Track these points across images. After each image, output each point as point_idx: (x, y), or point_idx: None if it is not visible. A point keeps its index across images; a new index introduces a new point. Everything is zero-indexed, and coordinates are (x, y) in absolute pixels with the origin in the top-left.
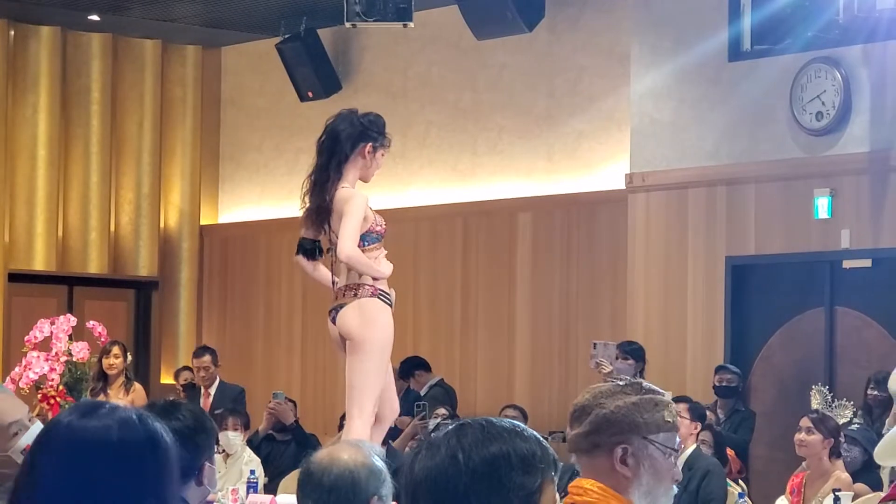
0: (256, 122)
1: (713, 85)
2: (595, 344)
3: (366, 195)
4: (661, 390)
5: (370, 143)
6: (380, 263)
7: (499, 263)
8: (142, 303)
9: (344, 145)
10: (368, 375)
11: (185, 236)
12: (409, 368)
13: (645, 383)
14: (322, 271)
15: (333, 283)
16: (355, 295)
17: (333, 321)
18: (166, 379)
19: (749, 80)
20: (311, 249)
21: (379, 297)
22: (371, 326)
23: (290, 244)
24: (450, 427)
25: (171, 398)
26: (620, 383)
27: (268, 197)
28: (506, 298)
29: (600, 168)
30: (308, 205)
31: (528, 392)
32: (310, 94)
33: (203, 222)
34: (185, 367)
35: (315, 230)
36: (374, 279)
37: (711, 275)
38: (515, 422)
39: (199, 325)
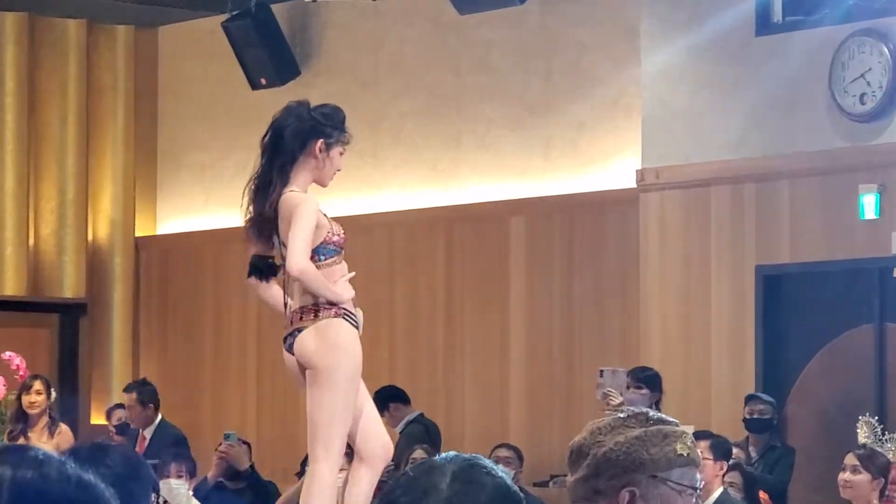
0: (200, 114)
1: (738, 64)
2: (602, 371)
3: (315, 198)
4: (671, 419)
5: (322, 140)
6: (338, 284)
7: (488, 277)
8: (67, 329)
9: (290, 144)
10: (334, 410)
11: (117, 250)
12: (383, 401)
13: (651, 412)
14: (274, 291)
15: (286, 304)
16: (315, 316)
17: (290, 349)
18: (97, 419)
19: (780, 57)
20: (263, 268)
21: (344, 318)
22: (335, 352)
23: (241, 258)
24: (401, 476)
25: (99, 441)
26: (622, 415)
27: (215, 202)
28: (497, 318)
29: (606, 164)
30: (250, 215)
31: (524, 429)
32: (263, 80)
33: (139, 233)
34: (119, 405)
35: (264, 245)
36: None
37: (739, 287)
38: (493, 470)
39: (136, 355)
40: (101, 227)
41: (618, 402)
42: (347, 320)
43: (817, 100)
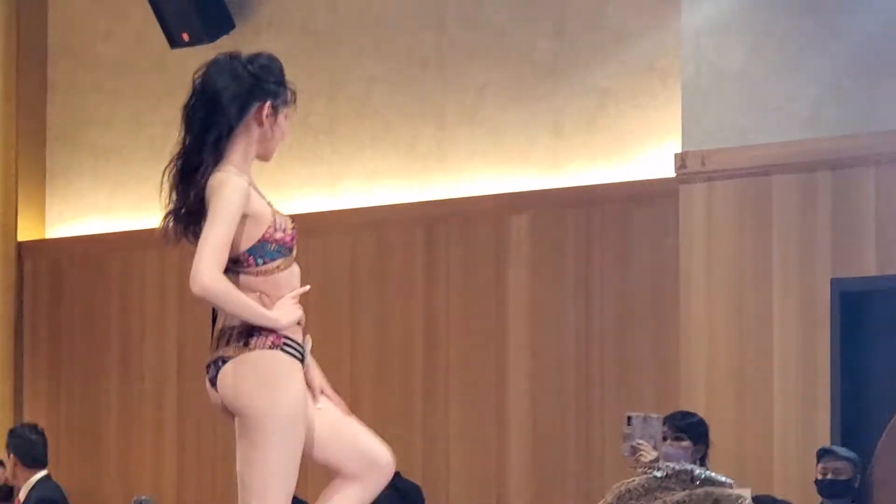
0: (103, 81)
1: (810, 13)
2: (630, 417)
3: (243, 182)
4: (722, 478)
5: (268, 102)
6: (279, 302)
7: (481, 295)
8: None
9: (226, 110)
10: (267, 468)
11: None
12: None
13: (698, 470)
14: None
15: (213, 322)
16: (245, 344)
17: (212, 382)
18: None
19: (866, 6)
20: None
21: (283, 349)
22: (269, 393)
23: (157, 265)
24: None
25: None
26: (658, 474)
27: (123, 196)
28: (492, 348)
29: (635, 145)
30: (171, 206)
31: (528, 492)
32: (185, 36)
33: (22, 237)
34: None
35: (174, 237)
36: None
37: (809, 307)
38: None
39: (18, 391)
40: None
41: (651, 457)
42: (287, 351)
43: None
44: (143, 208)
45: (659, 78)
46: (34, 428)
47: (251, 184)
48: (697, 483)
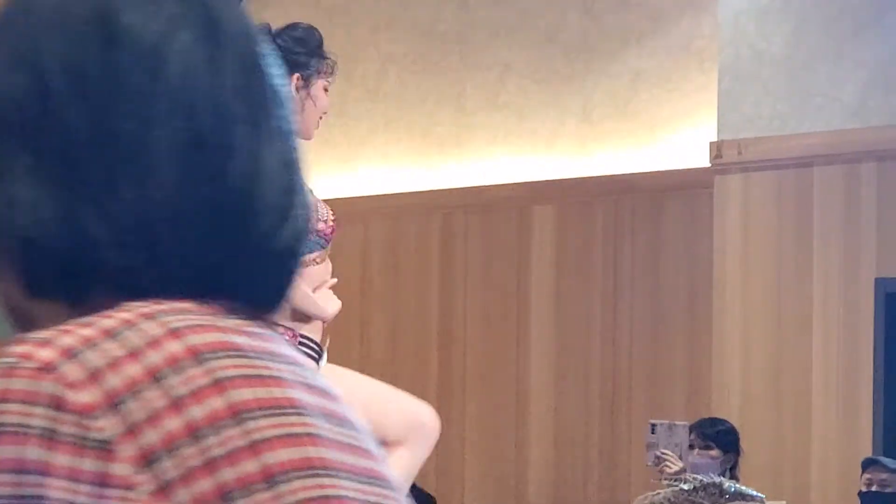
0: None
1: None
2: (654, 426)
3: None
4: (753, 493)
5: (297, 74)
6: (319, 292)
7: (501, 290)
8: None
9: None
10: None
11: None
12: None
13: (727, 484)
14: None
15: None
16: None
17: None
18: None
19: None
20: None
21: (298, 349)
22: None
23: None
24: None
25: None
26: (686, 486)
27: None
28: (513, 347)
29: (669, 132)
30: None
31: (548, 501)
32: None
33: None
34: None
35: None
36: (300, 320)
37: (853, 308)
38: None
39: None
40: None
41: (676, 468)
42: (303, 351)
43: None
44: None
45: (695, 60)
46: None
47: None
48: (727, 497)
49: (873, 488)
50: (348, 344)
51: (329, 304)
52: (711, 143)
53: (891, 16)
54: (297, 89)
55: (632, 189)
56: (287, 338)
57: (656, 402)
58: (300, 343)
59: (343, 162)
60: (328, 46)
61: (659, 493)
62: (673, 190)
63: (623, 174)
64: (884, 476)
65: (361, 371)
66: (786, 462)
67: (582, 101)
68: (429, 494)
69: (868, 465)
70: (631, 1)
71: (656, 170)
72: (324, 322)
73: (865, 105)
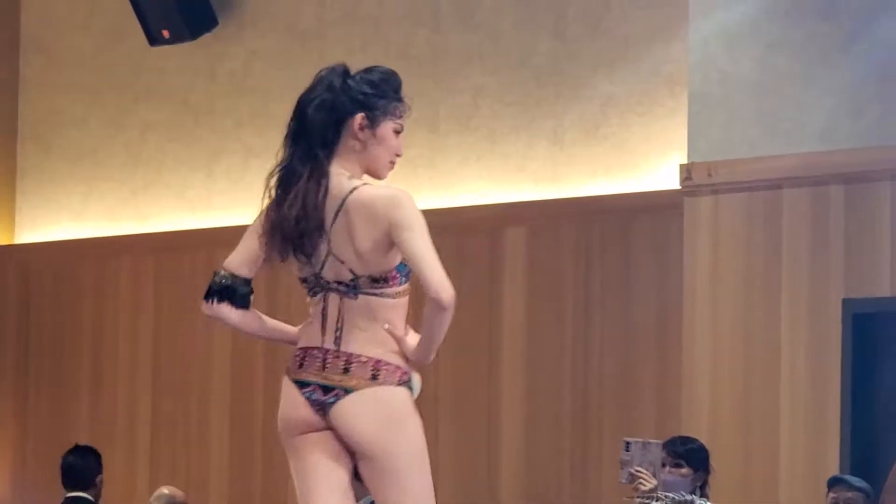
0: (78, 79)
1: (824, 21)
2: (628, 443)
3: None
4: None
5: (361, 114)
6: (400, 329)
7: (473, 310)
8: None
9: (318, 122)
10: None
11: None
12: None
13: (698, 502)
14: (273, 326)
15: (323, 339)
16: (374, 378)
17: (318, 406)
18: None
19: (884, 13)
20: (246, 294)
21: (407, 386)
22: (408, 433)
23: (132, 275)
24: None
25: None
26: None
27: (97, 200)
28: (485, 367)
29: (639, 156)
30: (278, 215)
31: None
32: (165, 33)
33: None
34: None
35: (277, 255)
36: (394, 356)
37: (820, 329)
38: None
39: None
40: None
41: (650, 486)
42: (407, 388)
43: None
44: (118, 214)
45: (665, 85)
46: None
47: None
48: None
49: None
50: None
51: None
52: (681, 166)
53: (857, 43)
54: (362, 128)
55: (602, 211)
56: (399, 375)
57: (627, 420)
58: (407, 380)
59: None
60: (305, 70)
61: None
62: (643, 212)
63: (593, 196)
64: (849, 494)
65: None
66: (755, 480)
67: (553, 124)
68: None
69: (833, 483)
70: (602, 27)
71: (626, 192)
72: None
73: (833, 129)
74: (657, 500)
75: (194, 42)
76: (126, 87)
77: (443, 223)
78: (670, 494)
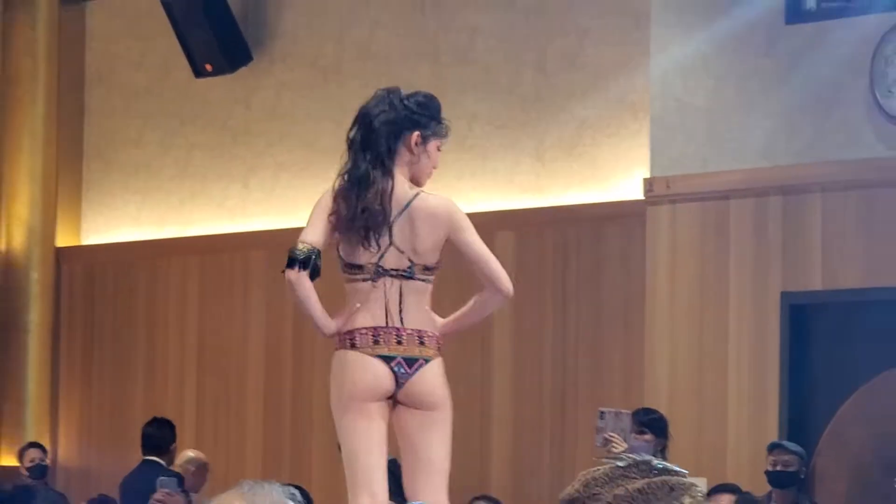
0: (134, 106)
1: (765, 57)
2: (603, 413)
3: None
4: (678, 469)
5: (417, 132)
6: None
7: (468, 298)
8: None
9: (383, 134)
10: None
11: (34, 263)
12: None
13: (655, 461)
14: (318, 302)
15: (388, 319)
16: (438, 349)
17: (402, 377)
18: (7, 460)
19: (814, 50)
20: (320, 267)
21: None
22: (449, 392)
23: (180, 274)
24: None
25: (24, 483)
26: (621, 463)
27: (150, 208)
28: (478, 350)
29: (608, 171)
30: (357, 207)
31: (509, 478)
32: (208, 67)
33: (60, 244)
34: (33, 444)
35: (350, 241)
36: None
37: (762, 318)
38: None
39: (55, 387)
40: (16, 235)
41: (621, 448)
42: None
43: (856, 101)
44: (168, 220)
45: (630, 111)
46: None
47: None
48: (655, 472)
49: (778, 468)
50: (327, 360)
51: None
52: (644, 180)
53: (792, 74)
54: (416, 144)
55: (577, 218)
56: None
57: (598, 394)
58: None
59: None
60: (326, 99)
61: (598, 470)
62: (612, 219)
63: (570, 205)
64: (786, 458)
65: None
66: (706, 446)
67: (535, 144)
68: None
69: (773, 448)
70: (577, 61)
71: (598, 202)
72: None
73: (772, 148)
74: (620, 461)
75: (233, 75)
76: (174, 113)
77: None
78: (632, 455)
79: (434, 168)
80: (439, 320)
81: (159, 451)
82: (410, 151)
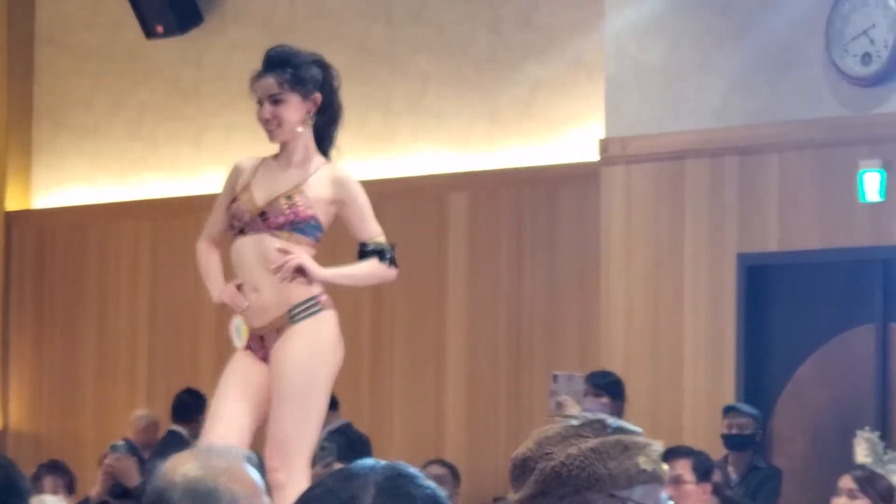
0: (85, 67)
1: (721, 16)
2: (556, 376)
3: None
4: (633, 427)
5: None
6: None
7: (423, 264)
8: None
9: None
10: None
11: None
12: None
13: (610, 419)
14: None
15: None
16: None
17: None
18: None
19: (770, 9)
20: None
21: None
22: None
23: (131, 237)
24: (316, 486)
25: None
26: (575, 422)
27: (101, 170)
28: (433, 312)
29: (563, 132)
30: None
31: (463, 443)
32: (159, 28)
33: (9, 207)
34: None
35: None
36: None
37: (718, 279)
38: (420, 479)
39: (5, 351)
40: None
41: (574, 412)
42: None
43: (812, 60)
44: (119, 182)
45: (585, 72)
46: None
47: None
48: (609, 431)
49: (733, 431)
50: None
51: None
52: (600, 141)
53: (748, 33)
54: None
55: (532, 179)
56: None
57: (553, 356)
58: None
59: None
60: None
61: (552, 428)
62: (567, 180)
63: (525, 167)
64: (742, 420)
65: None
66: (662, 409)
67: (490, 105)
68: (363, 435)
69: (728, 411)
70: (531, 21)
71: (553, 163)
72: None
73: (727, 108)
74: (574, 420)
75: (184, 36)
76: (126, 74)
77: (397, 190)
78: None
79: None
80: None
81: (187, 421)
82: None
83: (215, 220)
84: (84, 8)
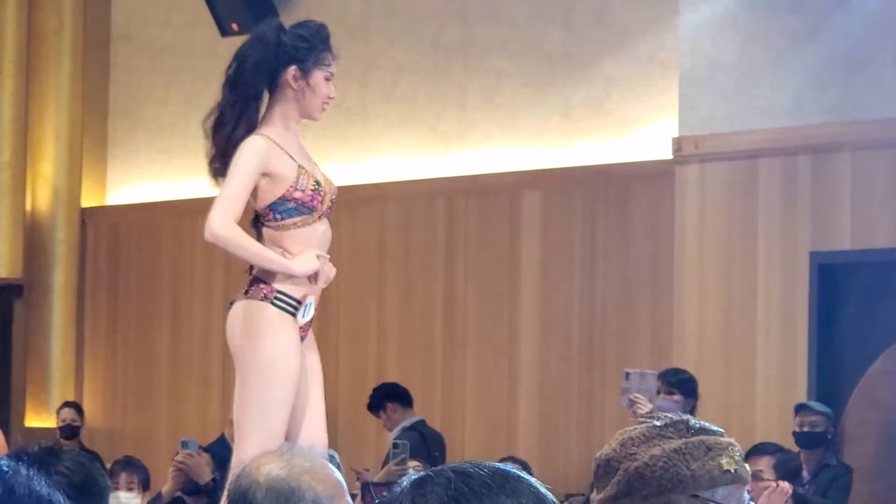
0: (160, 65)
1: (796, 14)
2: (628, 373)
3: (262, 142)
4: (716, 428)
5: (294, 66)
6: (293, 254)
7: (496, 261)
8: None
9: (252, 77)
10: (248, 410)
11: (60, 223)
12: (379, 400)
13: (693, 420)
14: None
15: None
16: (245, 292)
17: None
18: (33, 421)
19: (844, 7)
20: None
21: (273, 302)
22: (253, 341)
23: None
24: (405, 483)
25: (49, 444)
26: (658, 423)
27: (175, 168)
28: (506, 310)
29: (637, 130)
30: (211, 153)
31: (535, 440)
32: (234, 26)
33: (85, 204)
34: (68, 404)
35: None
36: (271, 277)
37: (791, 278)
38: (509, 468)
39: (80, 346)
40: (42, 195)
41: (646, 409)
42: (278, 305)
43: (886, 58)
44: (192, 179)
45: (659, 69)
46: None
47: (281, 145)
48: (692, 432)
49: (805, 429)
50: (366, 305)
51: (301, 263)
52: (673, 139)
53: (822, 31)
54: (296, 79)
55: (606, 177)
56: (265, 292)
57: (625, 354)
58: (276, 298)
59: (362, 153)
60: (352, 57)
61: (636, 429)
62: (640, 178)
63: (598, 164)
64: (813, 418)
65: (378, 336)
66: (734, 406)
67: (563, 102)
68: (436, 432)
69: (799, 409)
70: (605, 18)
71: (626, 161)
72: (310, 280)
73: (801, 107)
74: (657, 420)
75: None
76: (200, 71)
77: (470, 187)
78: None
79: (330, 99)
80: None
81: None
82: (291, 88)
83: (243, 202)
84: (159, 6)
